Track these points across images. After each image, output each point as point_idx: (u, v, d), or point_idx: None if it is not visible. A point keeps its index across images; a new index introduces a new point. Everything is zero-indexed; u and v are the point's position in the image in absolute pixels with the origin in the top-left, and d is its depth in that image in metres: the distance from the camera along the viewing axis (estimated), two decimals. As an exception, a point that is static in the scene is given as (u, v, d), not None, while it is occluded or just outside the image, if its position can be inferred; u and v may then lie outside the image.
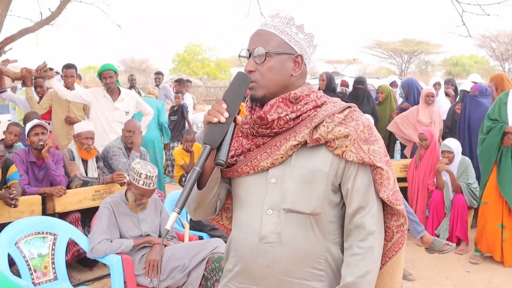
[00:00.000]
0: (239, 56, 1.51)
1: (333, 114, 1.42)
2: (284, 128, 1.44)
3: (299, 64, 1.47)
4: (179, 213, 1.30)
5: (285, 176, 1.43)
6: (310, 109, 1.45)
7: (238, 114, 1.40)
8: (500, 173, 4.43)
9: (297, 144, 1.41)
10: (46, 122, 4.87)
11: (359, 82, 6.99)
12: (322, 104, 1.47)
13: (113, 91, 5.19)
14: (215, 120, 1.34)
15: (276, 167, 1.44)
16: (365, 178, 1.43)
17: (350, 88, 7.72)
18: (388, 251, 1.51)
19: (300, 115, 1.44)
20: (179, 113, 8.11)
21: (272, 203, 1.43)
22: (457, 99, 6.24)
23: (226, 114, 1.35)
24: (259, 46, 1.44)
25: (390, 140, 6.38)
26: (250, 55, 1.46)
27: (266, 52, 1.43)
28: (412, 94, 6.65)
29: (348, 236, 1.45)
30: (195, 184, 1.38)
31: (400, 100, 7.31)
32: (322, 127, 1.40)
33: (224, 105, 1.36)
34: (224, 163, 1.35)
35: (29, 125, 4.17)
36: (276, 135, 1.46)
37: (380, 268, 1.49)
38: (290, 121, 1.44)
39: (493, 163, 4.48)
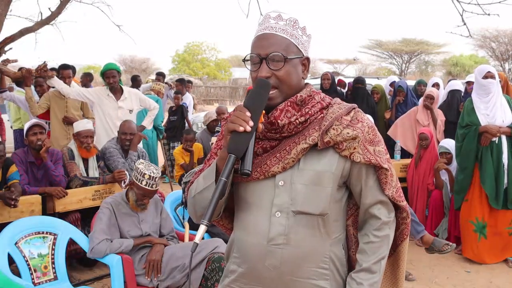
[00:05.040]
0: (244, 60, 1.49)
1: (341, 117, 1.44)
2: (293, 132, 1.45)
3: (306, 66, 1.49)
4: (207, 226, 1.29)
5: (294, 178, 1.44)
6: (317, 112, 1.46)
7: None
8: (482, 171, 4.51)
9: (307, 147, 1.43)
10: (45, 122, 4.89)
11: (359, 81, 6.99)
12: (327, 105, 1.49)
13: (116, 90, 5.22)
14: (241, 129, 1.33)
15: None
16: (375, 175, 1.49)
17: (346, 89, 7.71)
18: (396, 239, 1.60)
19: (308, 118, 1.45)
20: (179, 113, 8.10)
21: (281, 206, 1.44)
22: (445, 99, 6.26)
23: (251, 123, 1.34)
24: (275, 51, 1.42)
25: (389, 140, 6.37)
26: (261, 61, 1.43)
27: (285, 58, 1.42)
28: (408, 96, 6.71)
29: (363, 225, 1.53)
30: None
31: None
32: (332, 130, 1.42)
33: (248, 113, 1.35)
34: (250, 173, 1.34)
35: (27, 125, 4.17)
36: (283, 139, 1.46)
37: (392, 254, 1.59)
38: (299, 125, 1.45)
39: (473, 168, 4.58)
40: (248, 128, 1.33)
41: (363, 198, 1.50)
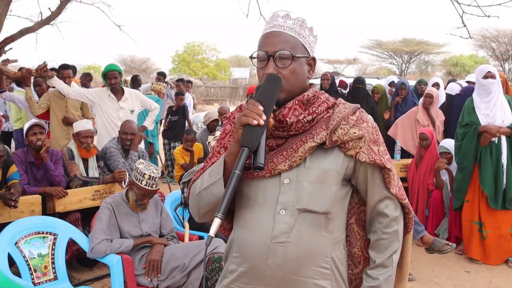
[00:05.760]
0: (251, 57, 1.50)
1: (348, 116, 1.46)
2: (300, 130, 1.47)
3: (311, 66, 1.51)
4: (222, 219, 1.30)
5: (300, 176, 1.45)
6: (323, 111, 1.48)
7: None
8: (481, 171, 4.52)
9: (315, 146, 1.44)
10: (45, 122, 4.88)
11: (359, 81, 7.00)
12: (333, 105, 1.51)
13: (117, 91, 5.23)
14: (255, 122, 1.34)
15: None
16: (381, 174, 1.52)
17: (348, 90, 7.70)
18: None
19: (316, 117, 1.47)
20: (180, 113, 8.10)
21: (286, 203, 1.45)
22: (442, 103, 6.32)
23: (264, 117, 1.35)
24: (283, 49, 1.43)
25: (388, 140, 6.37)
26: (268, 58, 1.45)
27: (293, 56, 1.43)
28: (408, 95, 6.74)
29: (371, 222, 1.56)
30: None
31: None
32: (340, 129, 1.44)
33: (261, 107, 1.36)
34: (263, 166, 1.35)
35: (27, 125, 4.17)
36: (290, 137, 1.48)
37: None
38: (306, 124, 1.46)
39: (472, 166, 4.59)
40: (262, 122, 1.34)
41: (370, 195, 1.52)
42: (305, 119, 1.45)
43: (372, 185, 1.51)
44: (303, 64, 1.48)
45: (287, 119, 1.44)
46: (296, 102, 1.46)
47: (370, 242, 1.56)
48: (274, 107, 1.44)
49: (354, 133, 1.44)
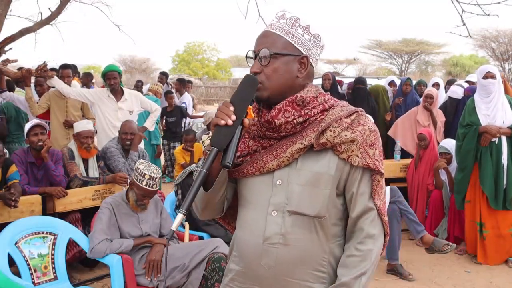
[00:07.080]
0: (246, 57, 1.52)
1: (340, 119, 1.43)
2: (291, 132, 1.45)
3: (304, 65, 1.47)
4: (185, 215, 1.31)
5: (291, 178, 1.44)
6: (318, 113, 1.45)
7: (245, 116, 1.40)
8: (481, 172, 4.52)
9: (303, 148, 1.42)
10: (45, 122, 4.88)
11: (359, 81, 7.00)
12: (330, 107, 1.47)
13: (116, 92, 5.23)
14: (222, 122, 1.35)
15: (282, 169, 1.45)
16: (370, 182, 1.45)
17: (340, 88, 7.71)
18: None
19: (308, 119, 1.45)
20: (177, 114, 8.08)
21: (277, 205, 1.44)
22: (445, 101, 6.32)
23: (233, 117, 1.35)
24: (264, 47, 1.44)
25: (388, 140, 6.37)
26: (256, 57, 1.46)
27: (270, 54, 1.43)
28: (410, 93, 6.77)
29: (349, 238, 1.48)
30: (202, 186, 1.40)
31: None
32: (329, 131, 1.41)
33: (232, 108, 1.37)
34: (230, 166, 1.36)
35: (28, 125, 4.17)
36: (282, 138, 1.46)
37: None
38: (298, 125, 1.44)
39: (472, 166, 4.59)
40: (230, 122, 1.35)
41: (353, 205, 1.45)
42: (295, 120, 1.43)
43: (357, 193, 1.44)
44: (290, 63, 1.44)
45: (276, 120, 1.43)
46: (287, 103, 1.44)
47: (341, 259, 1.46)
48: (270, 107, 1.45)
49: (346, 135, 1.40)
